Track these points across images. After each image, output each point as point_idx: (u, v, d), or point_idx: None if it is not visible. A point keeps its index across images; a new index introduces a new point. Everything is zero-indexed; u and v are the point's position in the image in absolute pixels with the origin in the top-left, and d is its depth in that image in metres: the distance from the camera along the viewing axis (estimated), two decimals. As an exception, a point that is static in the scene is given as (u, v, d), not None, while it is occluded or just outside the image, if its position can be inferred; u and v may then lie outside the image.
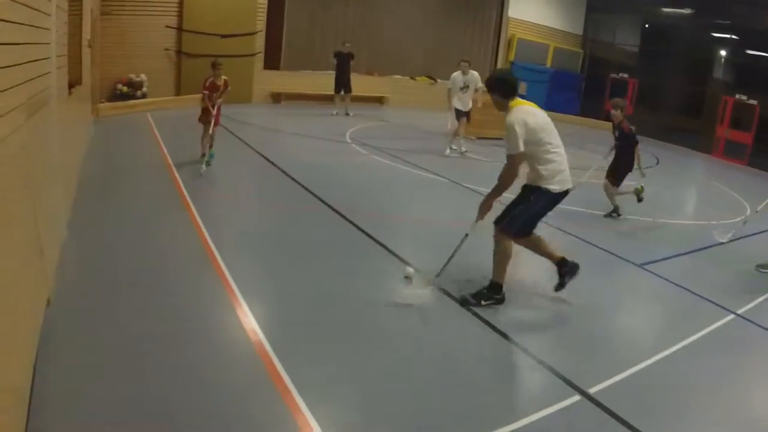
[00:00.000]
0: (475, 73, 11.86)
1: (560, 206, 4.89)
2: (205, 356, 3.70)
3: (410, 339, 4.23)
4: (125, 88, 14.17)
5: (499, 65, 22.29)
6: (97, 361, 3.52)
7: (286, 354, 3.71)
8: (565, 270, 5.01)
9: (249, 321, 4.13)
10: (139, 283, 4.69)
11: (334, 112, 15.80)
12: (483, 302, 4.75)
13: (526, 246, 5.04)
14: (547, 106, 21.57)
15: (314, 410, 3.16)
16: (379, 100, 18.95)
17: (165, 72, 15.55)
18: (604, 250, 6.60)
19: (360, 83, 18.73)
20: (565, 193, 4.78)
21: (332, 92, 16.10)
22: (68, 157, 6.34)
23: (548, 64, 22.54)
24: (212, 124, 8.54)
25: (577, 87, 23.11)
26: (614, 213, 8.04)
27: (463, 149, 11.97)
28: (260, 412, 3.19)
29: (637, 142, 7.83)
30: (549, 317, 4.92)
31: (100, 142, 9.87)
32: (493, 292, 4.80)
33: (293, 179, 8.37)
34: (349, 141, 12.23)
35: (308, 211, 7.12)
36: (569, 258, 5.00)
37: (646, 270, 6.09)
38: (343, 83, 15.90)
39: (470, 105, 11.76)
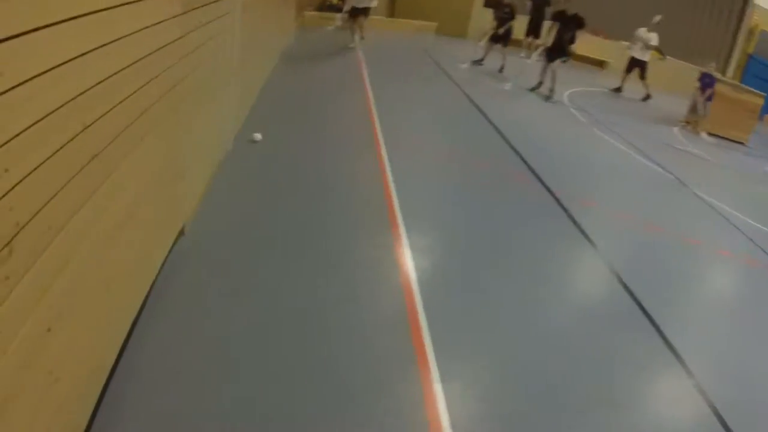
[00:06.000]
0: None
1: None
2: (353, 318, 3.04)
3: (573, 334, 3.28)
4: (336, 0, 13.38)
5: (735, 56, 18.90)
6: (216, 308, 2.89)
7: (439, 332, 3.03)
8: None
9: (411, 284, 3.38)
10: (298, 221, 3.88)
11: (522, 55, 13.82)
12: None
13: None
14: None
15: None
16: (600, 64, 16.69)
17: (381, -9, 14.86)
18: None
19: (582, 42, 16.56)
20: None
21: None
22: (253, 64, 5.57)
23: (791, 64, 18.63)
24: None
25: (818, 98, 18.93)
26: None
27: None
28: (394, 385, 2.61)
29: None
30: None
31: (298, 51, 9.11)
32: None
33: (507, 142, 7.20)
34: (567, 103, 10.59)
35: (512, 177, 5.93)
36: None
37: None
38: (533, 28, 13.93)
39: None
